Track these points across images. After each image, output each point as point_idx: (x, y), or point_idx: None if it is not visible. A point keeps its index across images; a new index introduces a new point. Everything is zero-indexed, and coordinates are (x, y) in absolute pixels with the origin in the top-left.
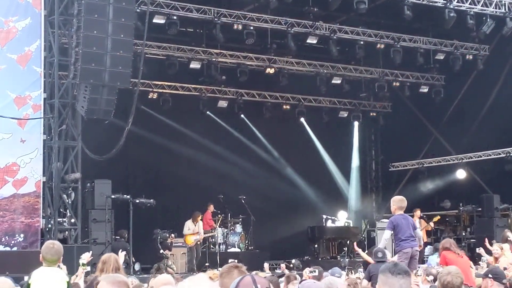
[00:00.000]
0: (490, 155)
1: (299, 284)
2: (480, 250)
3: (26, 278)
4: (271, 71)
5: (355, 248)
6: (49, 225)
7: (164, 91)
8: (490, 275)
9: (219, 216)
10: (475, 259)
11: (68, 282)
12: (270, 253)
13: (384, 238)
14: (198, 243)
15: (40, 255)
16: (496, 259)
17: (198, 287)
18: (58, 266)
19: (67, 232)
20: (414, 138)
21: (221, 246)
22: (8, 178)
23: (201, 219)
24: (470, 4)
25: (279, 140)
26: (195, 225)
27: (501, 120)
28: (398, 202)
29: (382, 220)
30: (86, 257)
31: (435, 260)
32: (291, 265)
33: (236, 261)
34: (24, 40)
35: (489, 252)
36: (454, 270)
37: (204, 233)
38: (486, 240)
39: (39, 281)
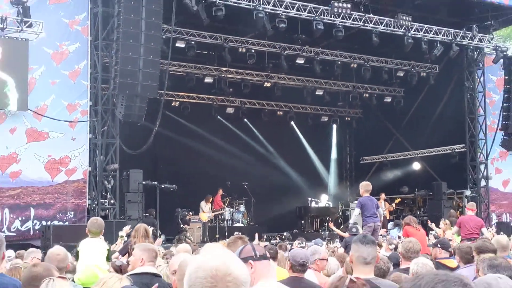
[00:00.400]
0: (440, 151)
1: (289, 251)
2: (432, 225)
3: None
4: (268, 84)
5: (330, 226)
6: (94, 205)
7: (184, 100)
8: (438, 245)
9: (227, 198)
10: (428, 232)
11: (109, 250)
12: (267, 227)
13: (354, 214)
14: (210, 219)
15: (86, 228)
16: (444, 232)
17: (213, 251)
18: (100, 237)
19: (107, 210)
20: (380, 138)
21: (228, 222)
22: (61, 168)
23: (212, 201)
24: (424, 32)
25: (274, 139)
26: (207, 205)
27: (448, 124)
28: (365, 186)
29: (355, 201)
30: (126, 229)
31: (395, 233)
32: (283, 237)
33: (240, 233)
34: (74, 60)
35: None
36: (414, 240)
37: (214, 212)
38: (429, 221)
39: (86, 249)
